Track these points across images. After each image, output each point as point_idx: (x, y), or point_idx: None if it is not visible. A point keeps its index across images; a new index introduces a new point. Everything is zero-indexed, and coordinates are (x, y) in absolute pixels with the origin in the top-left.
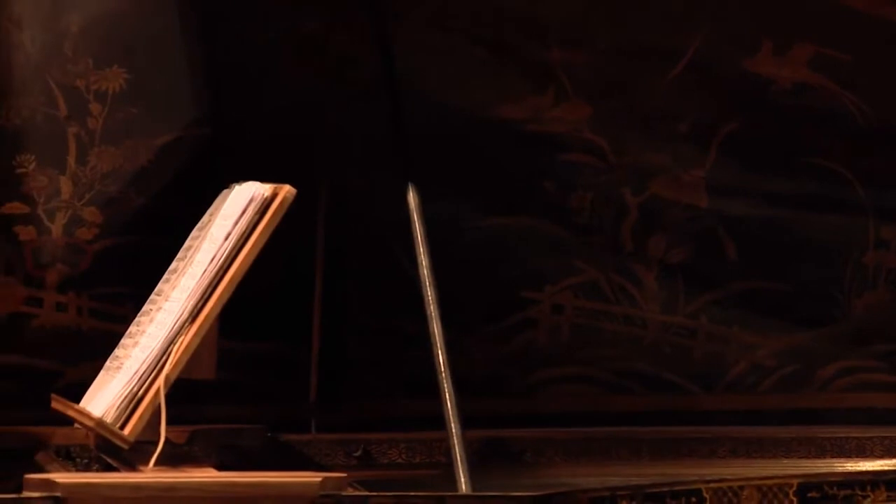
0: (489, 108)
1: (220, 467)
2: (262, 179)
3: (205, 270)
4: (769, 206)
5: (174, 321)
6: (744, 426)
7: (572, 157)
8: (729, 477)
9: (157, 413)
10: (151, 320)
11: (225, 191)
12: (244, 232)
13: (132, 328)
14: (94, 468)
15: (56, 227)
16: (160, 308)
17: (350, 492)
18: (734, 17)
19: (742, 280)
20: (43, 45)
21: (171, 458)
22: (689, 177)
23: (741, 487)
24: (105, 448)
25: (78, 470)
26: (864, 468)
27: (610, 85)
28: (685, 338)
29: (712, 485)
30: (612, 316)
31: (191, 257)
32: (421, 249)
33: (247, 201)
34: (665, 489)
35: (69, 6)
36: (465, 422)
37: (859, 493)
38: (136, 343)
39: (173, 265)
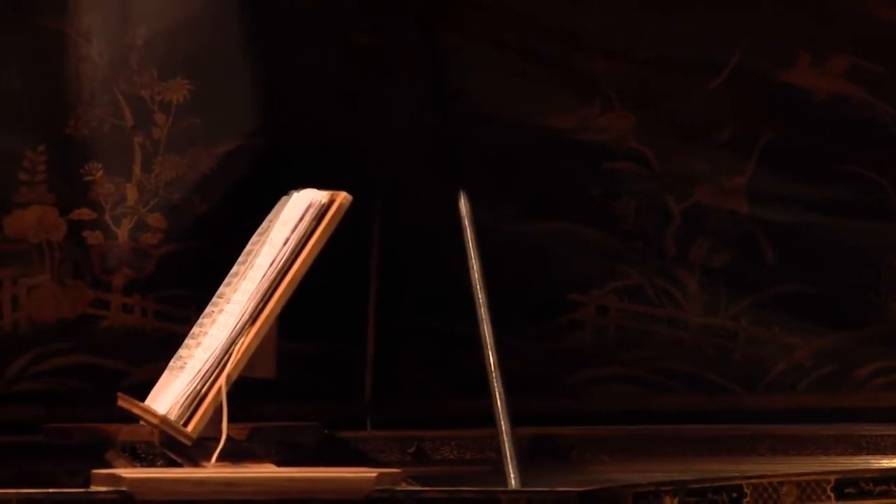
0: (537, 118)
1: (279, 463)
2: (320, 186)
3: (264, 274)
4: (807, 212)
5: (235, 322)
6: (783, 424)
7: (617, 165)
8: (769, 473)
9: (218, 411)
10: (214, 322)
11: (284, 197)
12: (302, 237)
13: (195, 329)
14: (159, 464)
15: (122, 233)
16: (222, 310)
17: (404, 487)
18: (772, 31)
19: (781, 283)
20: (110, 57)
21: (232, 455)
22: (730, 184)
23: (781, 483)
24: (169, 444)
25: (143, 465)
26: None
27: (653, 96)
28: (726, 339)
29: (753, 480)
30: (655, 318)
31: (251, 261)
32: (471, 254)
33: (305, 207)
34: (707, 485)
35: (135, 21)
36: (515, 420)
37: (894, 488)
38: (198, 343)
39: (234, 269)
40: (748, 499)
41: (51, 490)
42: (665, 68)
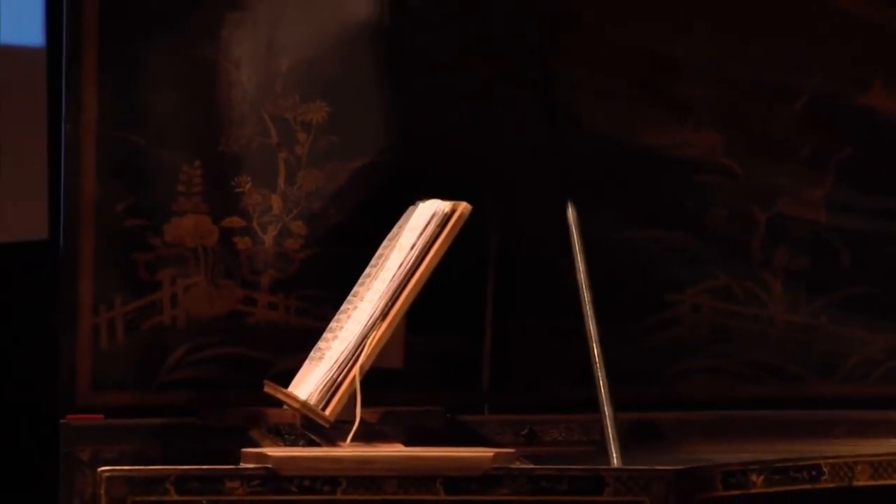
0: (637, 136)
1: (407, 443)
2: (443, 197)
3: (394, 275)
4: (879, 221)
5: (368, 318)
6: (857, 410)
7: (708, 178)
8: (845, 454)
9: (353, 396)
10: (349, 317)
11: (411, 207)
12: (427, 242)
13: (332, 324)
14: (300, 443)
15: (268, 239)
16: (356, 307)
17: (518, 465)
18: (850, 59)
19: (855, 285)
20: (257, 83)
21: (366, 436)
22: (810, 196)
23: (855, 463)
24: (309, 426)
25: (286, 445)
26: None
27: (740, 116)
28: (806, 335)
29: (830, 460)
30: (743, 316)
31: (382, 264)
32: (578, 257)
33: (430, 216)
34: (790, 464)
35: (280, 51)
36: (616, 405)
37: None
38: (335, 337)
39: (367, 270)
40: (826, 477)
41: (205, 467)
42: (751, 92)
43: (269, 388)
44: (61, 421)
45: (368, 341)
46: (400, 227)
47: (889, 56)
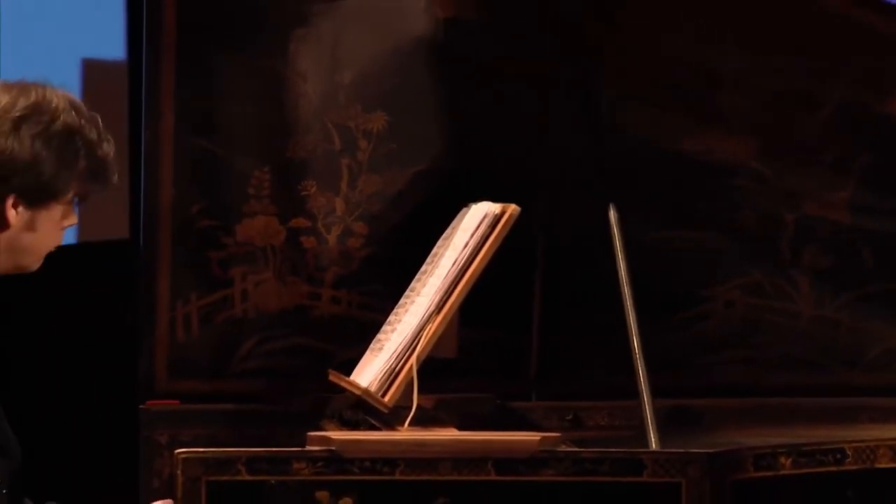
0: (674, 142)
1: (460, 428)
2: (494, 200)
3: (448, 272)
4: None
5: (424, 312)
6: (878, 398)
7: (739, 182)
8: (867, 438)
9: (410, 384)
10: (406, 311)
11: (464, 209)
12: (479, 242)
13: (391, 317)
14: (362, 428)
15: (331, 238)
16: (413, 301)
17: (563, 448)
18: (873, 69)
19: (877, 282)
20: (322, 94)
21: (422, 420)
22: (834, 198)
23: (877, 447)
24: (370, 412)
25: (349, 429)
26: None
27: (769, 124)
28: (831, 328)
29: (854, 444)
30: (772, 310)
31: (437, 262)
32: (619, 256)
33: (481, 217)
34: (816, 447)
35: (343, 64)
36: (654, 393)
37: None
38: (394, 329)
39: (423, 268)
40: (850, 459)
41: (273, 449)
42: (779, 101)
43: (333, 377)
44: (141, 407)
45: (424, 333)
46: (454, 228)
47: None
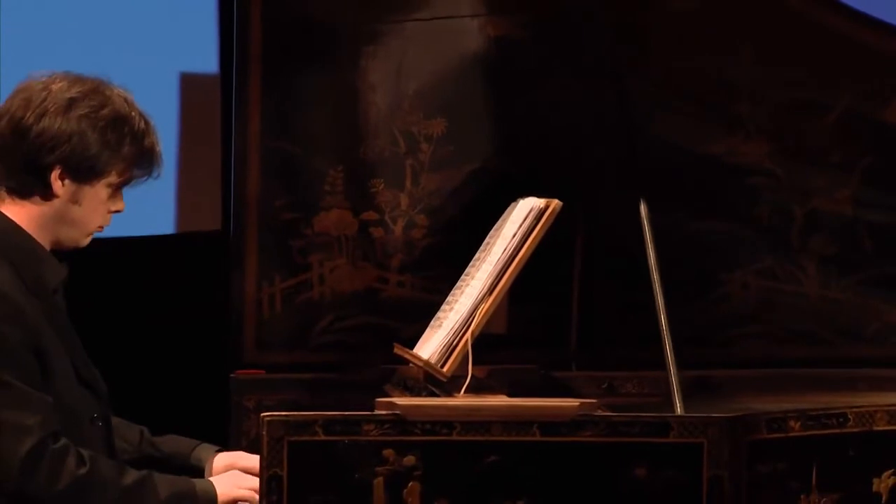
0: (698, 145)
1: (509, 394)
2: (539, 195)
3: (498, 259)
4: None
5: (478, 293)
6: (877, 368)
7: (755, 180)
8: (867, 404)
9: (465, 356)
10: (462, 292)
11: (513, 203)
12: (525, 232)
13: (449, 298)
14: (423, 394)
15: (397, 229)
16: (468, 284)
17: (599, 412)
18: (871, 80)
19: (876, 267)
20: (389, 103)
21: (476, 388)
22: (839, 194)
23: (875, 411)
24: (430, 381)
25: (412, 395)
26: None
27: (782, 129)
28: (836, 306)
29: (854, 409)
30: (783, 291)
31: (489, 249)
32: (649, 244)
33: (528, 210)
34: (821, 412)
35: (407, 77)
36: (679, 364)
37: None
38: (451, 308)
39: (477, 255)
40: (851, 422)
41: (346, 413)
42: (791, 109)
43: (398, 350)
44: (231, 376)
45: (478, 312)
46: (503, 220)
47: None
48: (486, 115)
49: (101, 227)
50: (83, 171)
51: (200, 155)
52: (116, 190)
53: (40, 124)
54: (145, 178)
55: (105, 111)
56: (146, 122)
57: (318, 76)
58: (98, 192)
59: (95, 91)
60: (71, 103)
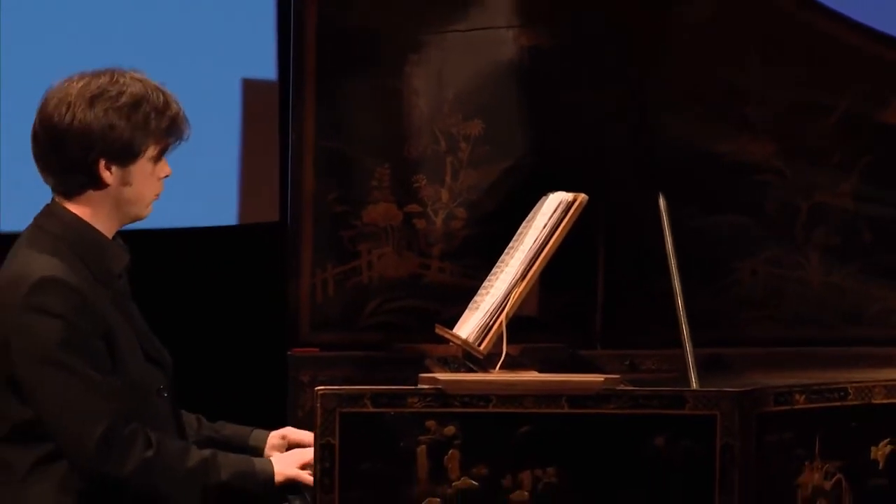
0: (710, 144)
1: (540, 371)
2: (567, 190)
3: (530, 247)
4: (893, 209)
5: (512, 278)
6: (875, 347)
7: (764, 177)
8: (866, 380)
9: (500, 336)
10: (497, 278)
11: (543, 197)
12: (555, 224)
13: (485, 283)
14: (462, 370)
15: (438, 220)
16: (502, 271)
17: (622, 387)
18: (870, 84)
19: (875, 256)
20: (430, 107)
21: (510, 365)
22: (840, 190)
23: (873, 386)
24: (468, 358)
25: (452, 371)
26: None
27: (787, 130)
28: (837, 292)
29: (854, 384)
30: (789, 278)
31: (521, 239)
32: (667, 235)
33: (557, 203)
34: (824, 387)
35: (447, 82)
36: (694, 344)
37: None
38: (487, 292)
39: (510, 244)
40: (851, 396)
41: (392, 387)
42: (795, 111)
43: (439, 330)
44: (288, 353)
45: (512, 295)
46: (535, 212)
47: None
48: (519, 118)
49: (157, 195)
50: (124, 155)
51: (261, 154)
52: (158, 159)
53: (74, 125)
54: (179, 141)
55: (125, 98)
56: (164, 95)
57: (366, 82)
58: (143, 167)
59: (112, 81)
60: (94, 99)
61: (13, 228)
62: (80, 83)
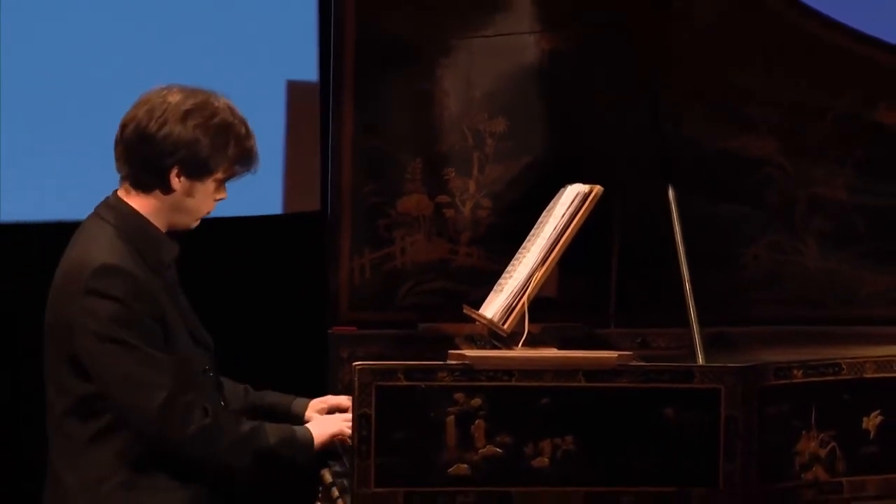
0: (718, 141)
1: (559, 348)
2: (584, 182)
3: (550, 235)
4: (884, 199)
5: (533, 263)
6: (866, 326)
7: (767, 171)
8: (858, 356)
9: (523, 316)
10: (520, 263)
11: (562, 189)
12: (573, 214)
13: (509, 267)
14: (487, 347)
15: (466, 210)
16: (524, 256)
17: (635, 363)
18: (863, 86)
19: (867, 243)
20: (459, 106)
21: (531, 343)
22: (836, 183)
23: (865, 362)
24: (493, 336)
25: (478, 348)
26: None
27: (789, 127)
28: (833, 275)
29: (847, 360)
30: (790, 263)
31: (541, 227)
32: (676, 224)
33: (574, 195)
34: (820, 363)
35: (474, 84)
36: (701, 323)
37: None
38: (511, 276)
39: (532, 232)
40: (845, 371)
41: (423, 362)
42: (795, 111)
43: (467, 310)
44: (328, 331)
45: (533, 279)
46: (554, 203)
47: (889, 85)
48: (540, 115)
49: (209, 213)
50: (197, 170)
51: (303, 149)
52: (222, 183)
53: (162, 132)
54: (245, 173)
55: (215, 120)
56: (246, 128)
57: (400, 84)
58: (208, 186)
59: (206, 103)
60: (187, 114)
61: (13, 219)
62: (178, 97)
